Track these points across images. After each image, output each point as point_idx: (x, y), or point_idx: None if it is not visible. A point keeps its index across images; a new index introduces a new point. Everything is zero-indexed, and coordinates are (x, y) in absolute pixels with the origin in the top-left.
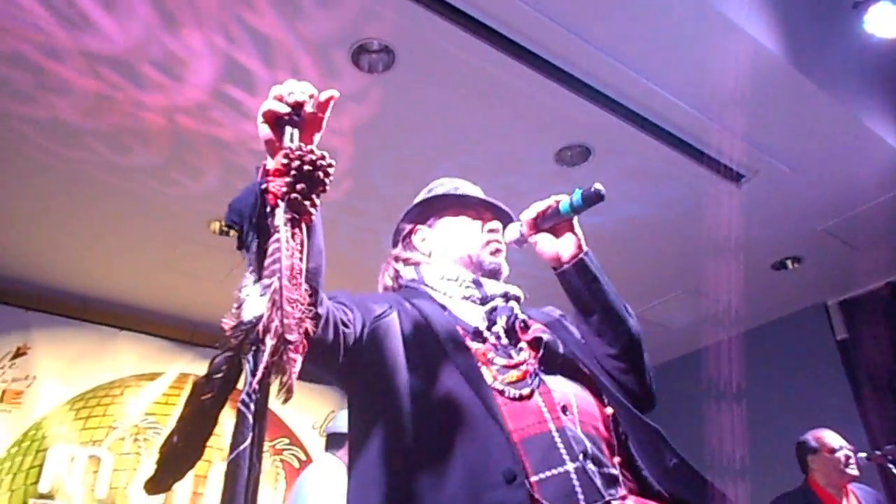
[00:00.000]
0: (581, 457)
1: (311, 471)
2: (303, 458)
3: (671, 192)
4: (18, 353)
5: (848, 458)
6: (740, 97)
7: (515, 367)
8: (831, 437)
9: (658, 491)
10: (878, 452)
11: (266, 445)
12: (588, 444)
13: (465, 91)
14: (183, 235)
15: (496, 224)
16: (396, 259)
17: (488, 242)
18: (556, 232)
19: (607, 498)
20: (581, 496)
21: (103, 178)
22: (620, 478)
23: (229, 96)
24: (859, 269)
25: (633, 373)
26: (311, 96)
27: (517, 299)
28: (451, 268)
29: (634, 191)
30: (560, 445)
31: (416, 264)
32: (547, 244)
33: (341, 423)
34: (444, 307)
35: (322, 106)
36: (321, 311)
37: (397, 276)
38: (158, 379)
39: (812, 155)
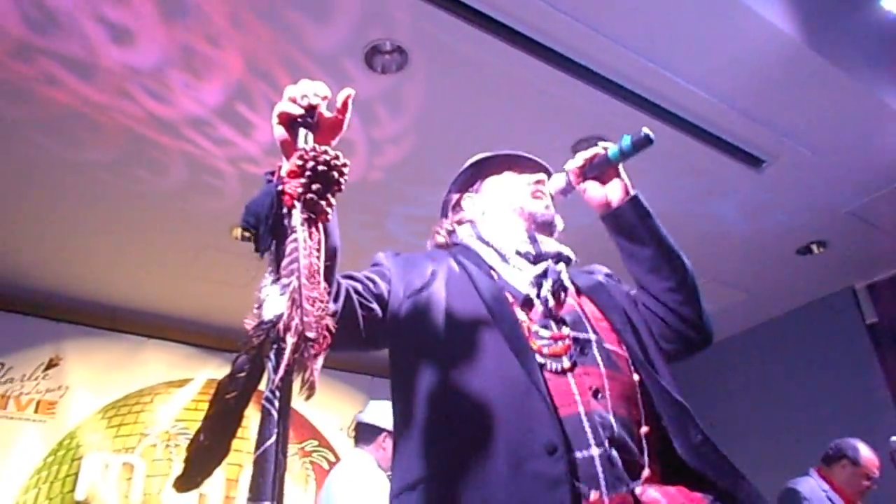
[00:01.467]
0: (607, 443)
1: (338, 471)
2: (332, 459)
3: (692, 180)
4: (51, 365)
5: (871, 479)
6: (758, 82)
7: (559, 339)
8: (869, 457)
9: (683, 463)
10: None
11: (295, 447)
12: (616, 429)
13: (478, 88)
14: (206, 242)
15: (541, 175)
16: (454, 222)
17: (535, 193)
18: (602, 178)
19: (631, 486)
20: (603, 482)
21: (128, 192)
22: (646, 462)
23: (243, 107)
24: (886, 250)
25: (690, 304)
26: (325, 98)
27: (568, 261)
28: (506, 221)
29: (654, 180)
30: (588, 429)
31: (471, 221)
32: (595, 190)
33: (377, 415)
34: (493, 269)
35: (342, 108)
36: (338, 303)
37: (451, 234)
38: (187, 385)
39: (833, 137)
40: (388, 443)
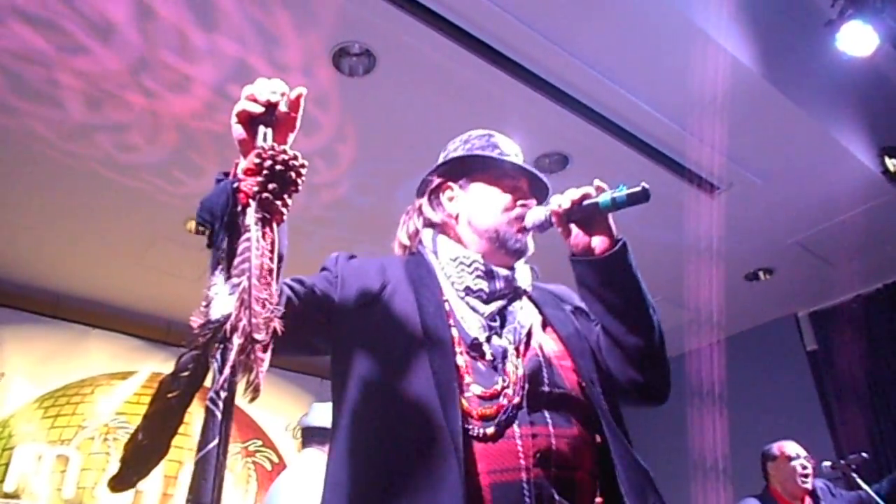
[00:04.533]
0: None
1: (293, 469)
2: (275, 460)
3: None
4: None
5: (805, 467)
6: (716, 110)
7: (491, 397)
8: (791, 447)
9: None
10: (842, 461)
11: (238, 447)
12: (557, 500)
13: (444, 96)
14: (160, 233)
15: (530, 201)
16: (420, 213)
17: (516, 219)
18: (587, 223)
19: None
20: None
21: (79, 175)
22: None
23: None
24: (830, 281)
25: (656, 364)
26: (284, 94)
27: (524, 293)
28: (468, 243)
29: None
30: (527, 499)
31: (435, 226)
32: (577, 234)
33: (320, 417)
34: (446, 300)
35: (294, 105)
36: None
37: (416, 234)
38: (130, 378)
39: (785, 168)
40: None
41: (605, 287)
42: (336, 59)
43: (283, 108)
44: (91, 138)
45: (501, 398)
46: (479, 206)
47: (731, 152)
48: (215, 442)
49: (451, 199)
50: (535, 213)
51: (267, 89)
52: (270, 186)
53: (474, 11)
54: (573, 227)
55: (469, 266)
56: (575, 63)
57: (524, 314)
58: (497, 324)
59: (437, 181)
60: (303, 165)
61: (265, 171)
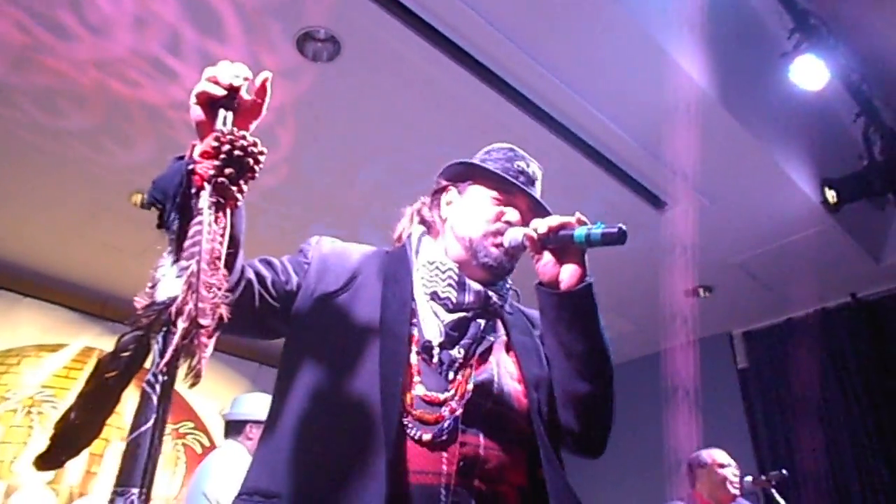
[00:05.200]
0: None
1: (212, 458)
2: (206, 443)
3: (598, 211)
4: None
5: (735, 475)
6: (670, 127)
7: (433, 403)
8: (721, 455)
9: None
10: (763, 477)
11: (169, 428)
12: None
13: (407, 90)
14: (103, 204)
15: (514, 216)
16: (419, 210)
17: (495, 234)
18: (561, 253)
19: None
20: None
21: (21, 136)
22: None
23: (167, 67)
24: (764, 302)
25: (601, 415)
26: (247, 79)
27: (495, 311)
28: (449, 249)
29: (563, 205)
30: None
31: (427, 226)
32: (547, 263)
33: (239, 410)
34: (413, 300)
35: (260, 91)
36: (237, 290)
37: (406, 229)
38: (61, 351)
39: (731, 190)
40: (254, 430)
41: (561, 322)
42: (300, 42)
43: (245, 94)
44: (14, 101)
45: (444, 409)
46: (465, 214)
47: (681, 171)
48: (149, 425)
49: (448, 202)
50: (514, 233)
51: (230, 72)
52: (227, 171)
53: (441, 7)
54: (546, 253)
55: (443, 273)
56: (535, 67)
57: (488, 331)
58: (456, 335)
59: (442, 183)
60: (262, 152)
61: (223, 156)
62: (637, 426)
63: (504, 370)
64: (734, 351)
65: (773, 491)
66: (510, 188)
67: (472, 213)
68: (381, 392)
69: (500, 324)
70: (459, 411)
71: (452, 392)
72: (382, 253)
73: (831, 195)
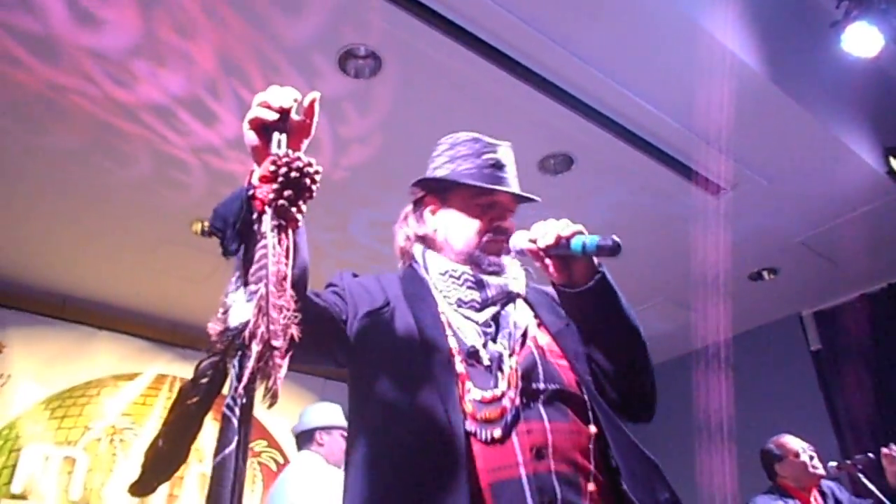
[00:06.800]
0: None
1: (289, 471)
2: (280, 460)
3: (652, 201)
4: None
5: (812, 457)
6: (721, 111)
7: (492, 401)
8: (793, 442)
9: None
10: (848, 462)
11: None
12: (559, 492)
13: (450, 98)
14: (165, 235)
15: (506, 223)
16: (406, 223)
17: (490, 242)
18: (564, 257)
19: None
20: None
21: (89, 180)
22: None
23: (208, 110)
24: (833, 280)
25: (643, 385)
26: (296, 100)
27: (518, 296)
28: (452, 259)
29: (615, 199)
30: (527, 494)
31: (423, 240)
32: (556, 266)
33: (306, 420)
34: (441, 312)
35: (309, 111)
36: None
37: (408, 250)
38: (136, 379)
39: (789, 169)
40: (324, 436)
41: (585, 316)
42: (342, 61)
43: (295, 115)
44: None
45: (504, 401)
46: (454, 228)
47: (735, 153)
48: (232, 447)
49: (433, 212)
50: (518, 241)
51: (280, 96)
52: (286, 193)
53: (479, 12)
54: (549, 260)
55: (458, 279)
56: (579, 64)
57: (519, 315)
58: (492, 329)
59: (419, 194)
60: (317, 172)
61: (280, 179)
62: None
63: (545, 349)
64: (806, 333)
65: (860, 475)
66: (493, 192)
67: (462, 227)
68: (443, 406)
69: (526, 306)
70: (518, 400)
71: (506, 384)
72: (395, 277)
73: None
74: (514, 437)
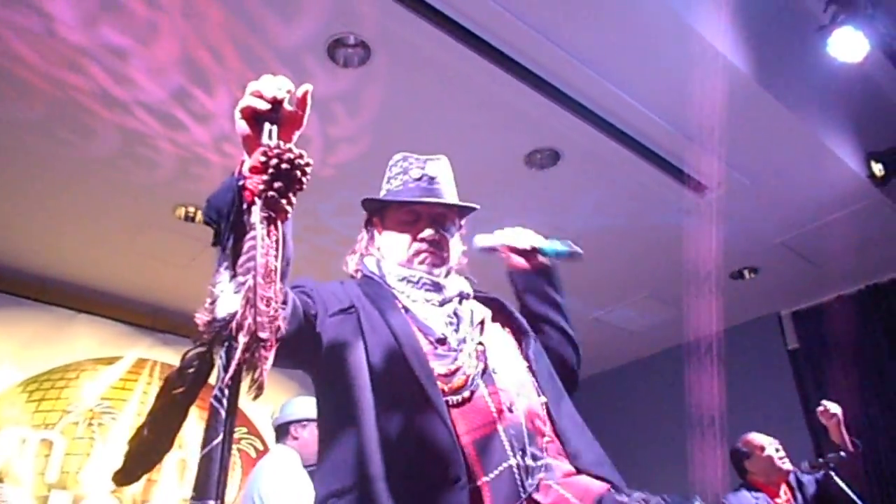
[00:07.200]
0: (520, 453)
1: (266, 463)
2: (260, 447)
3: (636, 198)
4: None
5: (778, 450)
6: (707, 111)
7: (455, 372)
8: (759, 438)
9: (582, 464)
10: (821, 460)
11: None
12: (526, 440)
13: (438, 90)
14: (148, 219)
15: (428, 232)
16: (361, 242)
17: (418, 253)
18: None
19: (543, 482)
20: (520, 486)
21: (71, 161)
22: (554, 464)
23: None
24: (812, 281)
25: (573, 355)
26: (289, 92)
27: (469, 297)
28: (402, 271)
29: (601, 196)
30: (505, 443)
31: (376, 253)
32: (517, 259)
33: (289, 412)
34: (406, 309)
35: (301, 103)
36: (289, 308)
37: (360, 262)
38: (116, 363)
39: (772, 170)
40: (299, 430)
41: (535, 290)
42: (331, 50)
43: (288, 106)
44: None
45: (466, 369)
46: (389, 245)
47: (721, 153)
48: (219, 438)
49: (379, 232)
50: (486, 239)
51: (273, 86)
52: (276, 185)
53: (468, 4)
54: (515, 256)
55: (417, 283)
56: (569, 60)
57: (475, 309)
58: (455, 320)
59: (366, 215)
60: (308, 164)
61: (271, 170)
62: (684, 413)
63: (498, 334)
64: (784, 332)
65: (832, 473)
66: (412, 204)
67: (395, 243)
68: (423, 381)
69: (477, 303)
70: (481, 365)
71: (466, 354)
72: (355, 283)
73: (878, 168)
74: (487, 399)
